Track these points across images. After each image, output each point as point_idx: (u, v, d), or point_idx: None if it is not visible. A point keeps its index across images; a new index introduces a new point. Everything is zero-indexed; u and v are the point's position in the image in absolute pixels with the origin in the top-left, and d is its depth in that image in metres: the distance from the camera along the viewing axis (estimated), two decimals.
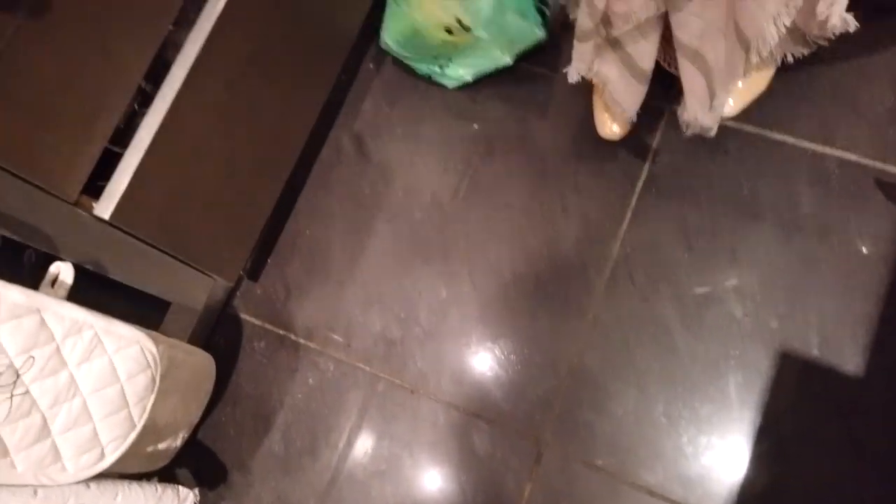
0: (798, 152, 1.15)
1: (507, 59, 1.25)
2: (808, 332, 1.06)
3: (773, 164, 1.15)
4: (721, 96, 0.92)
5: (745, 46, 0.84)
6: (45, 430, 0.77)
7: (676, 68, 0.97)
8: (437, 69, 1.28)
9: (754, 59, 0.83)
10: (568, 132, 1.24)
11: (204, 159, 0.96)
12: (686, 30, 0.85)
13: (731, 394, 1.09)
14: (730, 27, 0.84)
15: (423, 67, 1.30)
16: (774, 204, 1.12)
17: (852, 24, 0.75)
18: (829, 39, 0.83)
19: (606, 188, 1.20)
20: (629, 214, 1.17)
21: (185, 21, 0.89)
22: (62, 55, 0.72)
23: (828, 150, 1.13)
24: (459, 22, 1.18)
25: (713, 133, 0.97)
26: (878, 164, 1.10)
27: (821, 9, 0.73)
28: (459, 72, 1.28)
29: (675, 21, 0.85)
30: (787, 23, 0.74)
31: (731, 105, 1.16)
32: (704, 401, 1.09)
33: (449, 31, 1.19)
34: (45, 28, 0.70)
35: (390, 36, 1.26)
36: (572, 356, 1.13)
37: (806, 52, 0.93)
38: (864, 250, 1.07)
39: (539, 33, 1.23)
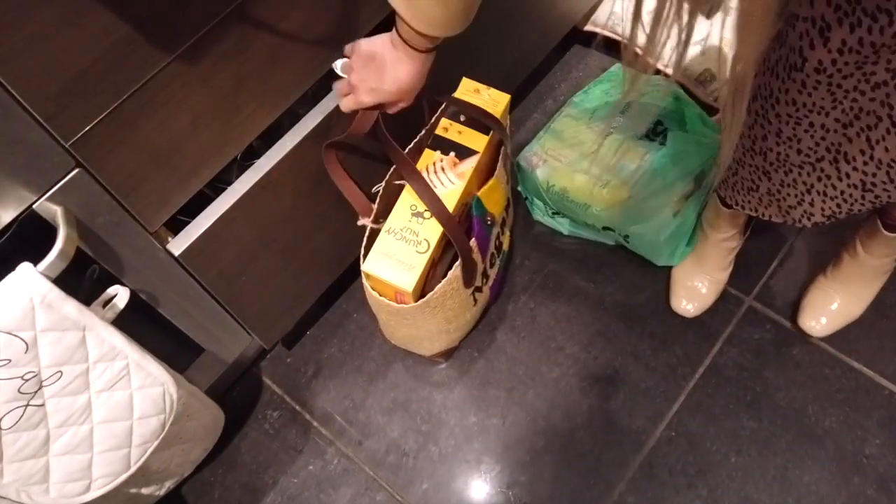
0: (874, 388, 1.09)
1: (612, 242, 1.25)
2: None
3: (846, 392, 1.09)
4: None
5: None
6: (44, 447, 0.74)
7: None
8: (541, 206, 1.28)
9: None
10: (641, 297, 1.22)
11: (283, 226, 0.97)
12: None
13: None
14: None
15: (530, 195, 1.30)
16: (838, 434, 1.06)
17: None
18: None
19: (665, 364, 1.15)
20: (682, 398, 1.12)
21: (310, 98, 0.93)
22: (196, 103, 0.75)
23: None
24: (606, 228, 1.19)
25: None
26: None
27: None
28: (562, 224, 1.28)
29: None
30: None
31: (823, 324, 1.11)
32: None
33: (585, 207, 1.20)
34: (191, 75, 0.73)
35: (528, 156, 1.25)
36: None
37: None
38: None
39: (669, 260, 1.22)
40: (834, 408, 1.07)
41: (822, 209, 0.88)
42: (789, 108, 0.76)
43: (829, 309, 1.11)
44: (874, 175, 0.78)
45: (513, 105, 1.43)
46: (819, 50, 0.68)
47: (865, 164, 0.77)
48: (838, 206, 0.86)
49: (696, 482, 1.06)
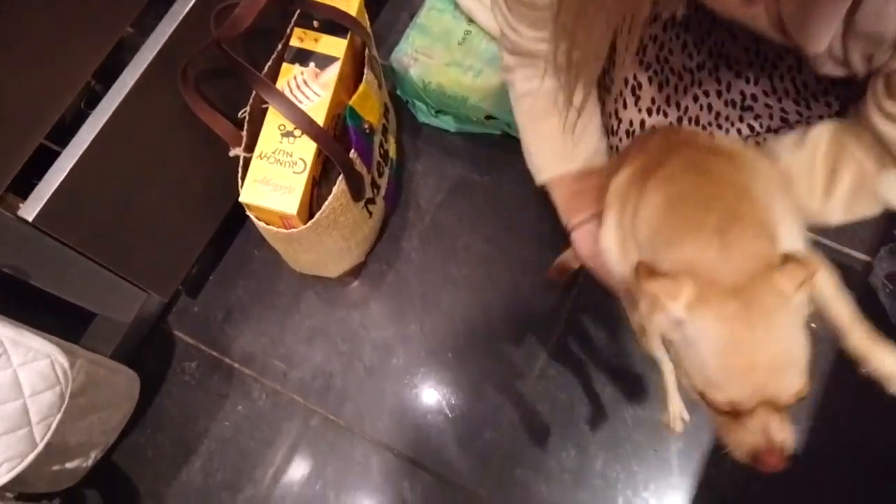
0: None
1: (499, 132, 1.23)
2: None
3: None
4: None
5: None
6: None
7: None
8: (423, 107, 1.25)
9: None
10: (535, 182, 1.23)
11: (148, 168, 0.91)
12: None
13: (671, 460, 1.07)
14: None
15: (410, 98, 1.25)
16: None
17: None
18: None
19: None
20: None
21: (145, 26, 0.85)
22: (10, 48, 0.68)
23: None
24: (489, 117, 1.17)
25: None
26: None
27: None
28: (447, 122, 1.25)
29: None
30: None
31: None
32: (643, 465, 1.06)
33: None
34: None
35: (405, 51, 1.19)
36: (515, 410, 1.10)
37: None
38: None
39: None
40: None
41: None
42: None
43: None
44: None
45: (379, 5, 1.37)
46: (630, 110, 0.71)
47: None
48: None
49: (609, 344, 1.11)
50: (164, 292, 1.05)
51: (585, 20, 0.56)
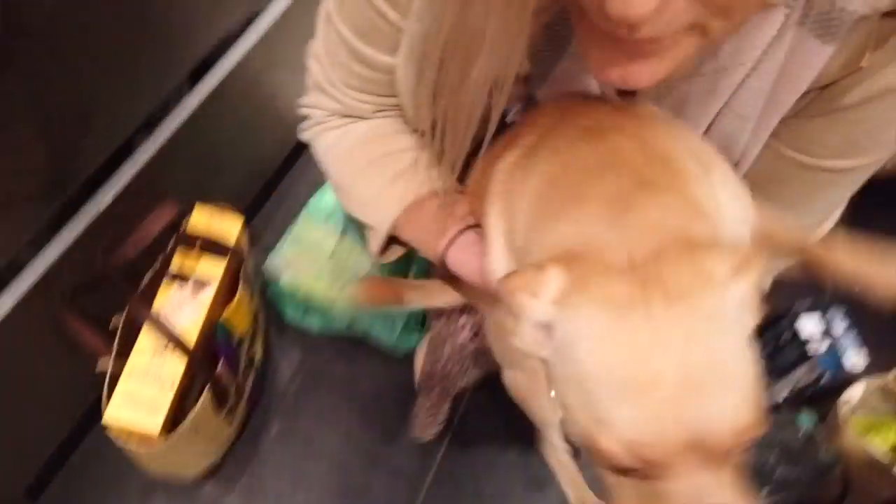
0: None
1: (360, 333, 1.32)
2: None
3: None
4: None
5: None
6: None
7: None
8: (291, 309, 1.32)
9: None
10: (394, 380, 1.31)
11: (8, 375, 0.92)
12: None
13: None
14: None
15: (279, 301, 1.33)
16: None
17: None
18: None
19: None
20: (434, 469, 1.24)
21: (29, 251, 0.90)
22: None
23: None
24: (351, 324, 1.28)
25: None
26: None
27: None
28: (313, 323, 1.33)
29: None
30: None
31: None
32: None
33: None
34: None
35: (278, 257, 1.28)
36: None
37: None
38: None
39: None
40: None
41: None
42: None
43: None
44: None
45: (255, 210, 1.48)
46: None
47: None
48: None
49: None
50: (2, 497, 1.00)
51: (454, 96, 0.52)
